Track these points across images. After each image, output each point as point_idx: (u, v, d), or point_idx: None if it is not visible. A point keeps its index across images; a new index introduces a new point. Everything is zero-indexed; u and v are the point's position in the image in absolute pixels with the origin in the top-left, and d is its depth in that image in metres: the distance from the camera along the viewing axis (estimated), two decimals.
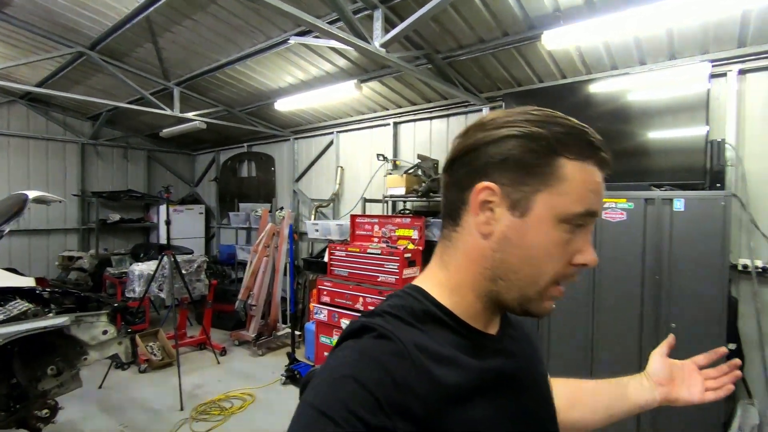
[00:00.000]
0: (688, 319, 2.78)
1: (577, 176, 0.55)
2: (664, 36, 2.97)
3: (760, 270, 2.88)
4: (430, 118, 4.75)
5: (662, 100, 3.12)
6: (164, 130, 6.15)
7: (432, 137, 4.76)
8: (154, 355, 4.50)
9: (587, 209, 0.55)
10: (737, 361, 0.86)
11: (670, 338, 0.92)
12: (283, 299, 5.39)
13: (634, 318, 2.95)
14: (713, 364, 0.90)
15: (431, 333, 0.57)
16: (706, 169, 2.91)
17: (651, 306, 2.90)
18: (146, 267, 4.72)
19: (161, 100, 5.02)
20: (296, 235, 5.92)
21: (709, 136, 2.93)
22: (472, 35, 3.32)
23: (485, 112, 4.02)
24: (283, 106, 4.85)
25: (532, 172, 0.55)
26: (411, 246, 4.12)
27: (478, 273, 0.60)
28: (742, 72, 3.00)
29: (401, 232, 4.33)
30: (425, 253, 4.19)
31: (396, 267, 3.87)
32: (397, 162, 4.95)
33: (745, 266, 2.93)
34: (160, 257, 4.39)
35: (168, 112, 5.00)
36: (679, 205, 2.81)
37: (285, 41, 3.71)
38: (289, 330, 4.82)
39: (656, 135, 3.15)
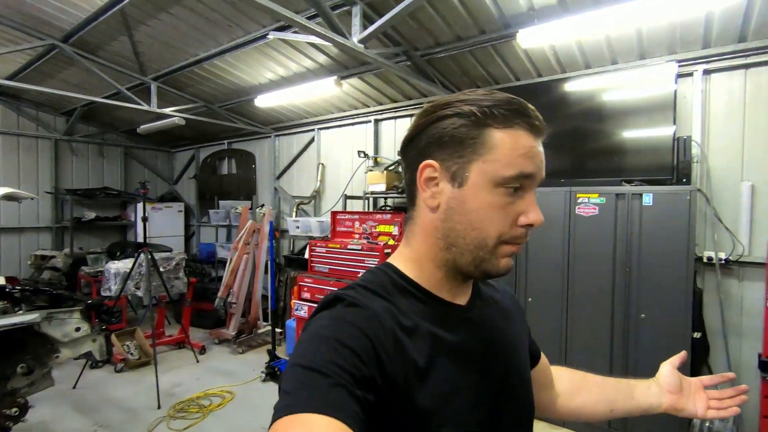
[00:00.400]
0: (657, 309, 2.89)
1: (506, 143, 0.58)
2: (633, 36, 3.07)
3: (723, 262, 3.01)
4: (411, 116, 4.78)
5: (633, 99, 3.21)
6: (142, 127, 6.04)
7: None
8: (131, 354, 4.42)
9: (519, 172, 0.58)
10: (745, 386, 0.88)
11: (683, 354, 0.93)
12: (264, 297, 5.36)
13: (606, 309, 3.05)
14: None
15: (399, 303, 0.62)
16: (673, 165, 3.02)
17: (622, 297, 2.99)
18: (123, 265, 4.63)
19: (138, 96, 4.93)
20: (277, 232, 5.89)
21: (676, 133, 3.04)
22: (449, 33, 3.37)
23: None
24: (263, 102, 4.82)
25: (464, 145, 0.59)
26: (391, 242, 4.15)
27: (433, 244, 0.64)
28: (706, 72, 3.12)
29: (382, 228, 4.35)
30: None
31: (376, 262, 3.89)
32: (378, 159, 4.98)
33: (709, 258, 3.05)
34: (136, 255, 4.32)
35: (145, 107, 4.92)
36: (647, 199, 2.91)
37: (264, 36, 3.70)
38: (269, 327, 4.79)
39: (627, 132, 3.25)
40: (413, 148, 0.65)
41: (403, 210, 4.45)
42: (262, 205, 5.76)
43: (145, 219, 4.15)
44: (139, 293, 4.48)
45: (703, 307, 3.04)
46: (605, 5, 2.64)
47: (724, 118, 3.08)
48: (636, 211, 2.95)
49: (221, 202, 6.78)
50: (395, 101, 4.80)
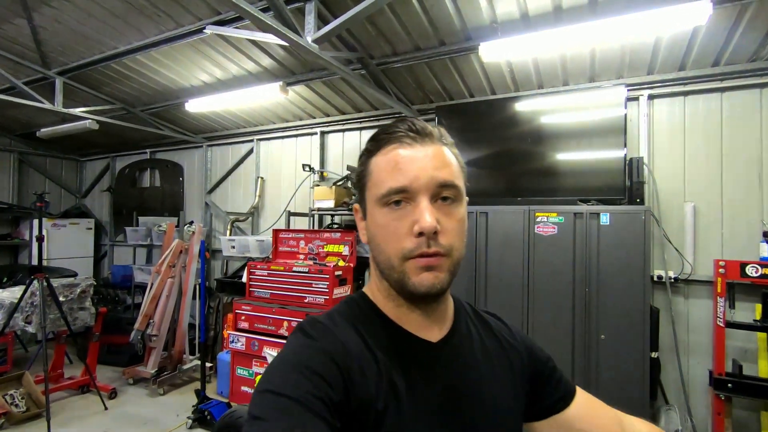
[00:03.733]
0: (615, 329, 2.86)
1: (379, 165, 0.64)
2: (587, 57, 3.11)
3: (672, 280, 3.09)
4: (360, 129, 4.55)
5: (585, 121, 3.25)
6: (43, 130, 5.16)
7: (361, 148, 4.51)
8: (16, 405, 3.57)
9: (388, 188, 0.61)
10: None
11: None
12: (192, 326, 4.72)
13: (566, 329, 2.97)
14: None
15: (367, 334, 0.63)
16: (625, 186, 3.07)
17: (581, 317, 2.94)
18: (9, 294, 3.78)
19: (39, 92, 4.16)
20: (208, 252, 5.28)
21: (627, 155, 3.11)
22: (408, 42, 3.20)
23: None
24: (195, 107, 4.30)
25: (362, 181, 0.67)
26: (341, 263, 3.82)
27: (376, 275, 0.68)
28: (651, 97, 3.25)
29: (330, 248, 4.02)
30: (357, 270, 3.92)
31: (325, 286, 3.54)
32: (325, 173, 4.66)
33: (659, 277, 3.12)
34: (28, 282, 3.54)
35: (47, 106, 4.16)
36: (605, 219, 2.91)
37: (199, 31, 3.25)
38: (198, 362, 4.18)
39: (581, 153, 3.28)
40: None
41: (354, 228, 4.16)
42: (191, 222, 5.12)
43: (40, 238, 3.42)
44: (30, 328, 3.67)
45: (659, 326, 3.07)
46: (565, 23, 2.63)
47: (667, 141, 3.22)
48: (594, 230, 2.93)
49: (141, 219, 5.98)
50: (344, 113, 4.54)
